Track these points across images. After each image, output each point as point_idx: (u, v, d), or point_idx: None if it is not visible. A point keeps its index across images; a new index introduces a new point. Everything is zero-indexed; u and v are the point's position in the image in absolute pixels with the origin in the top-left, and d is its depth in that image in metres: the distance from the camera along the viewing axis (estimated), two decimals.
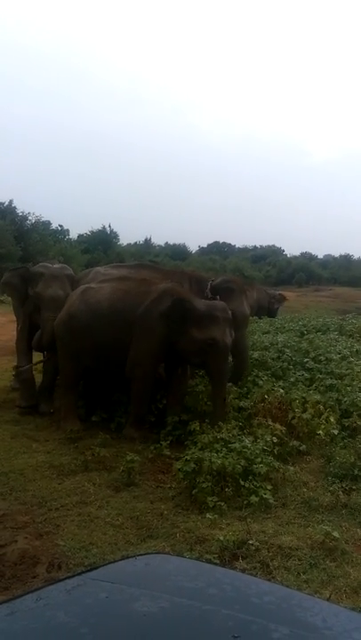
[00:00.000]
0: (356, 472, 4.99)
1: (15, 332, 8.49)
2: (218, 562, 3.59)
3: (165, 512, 4.49)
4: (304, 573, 3.58)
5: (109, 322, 6.47)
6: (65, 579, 1.60)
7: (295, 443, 5.63)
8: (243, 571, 3.50)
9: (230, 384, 6.91)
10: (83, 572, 1.64)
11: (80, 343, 6.62)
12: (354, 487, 4.81)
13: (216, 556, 3.70)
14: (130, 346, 6.37)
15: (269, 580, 3.35)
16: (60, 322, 6.89)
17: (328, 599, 3.10)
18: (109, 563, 1.90)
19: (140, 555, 1.92)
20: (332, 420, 5.97)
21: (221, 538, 3.84)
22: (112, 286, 6.84)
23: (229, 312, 6.43)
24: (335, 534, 3.87)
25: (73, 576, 1.61)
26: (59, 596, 1.44)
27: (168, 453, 5.59)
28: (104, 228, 41.89)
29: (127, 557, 2.01)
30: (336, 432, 5.80)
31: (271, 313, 15.57)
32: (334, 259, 56.56)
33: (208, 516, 4.29)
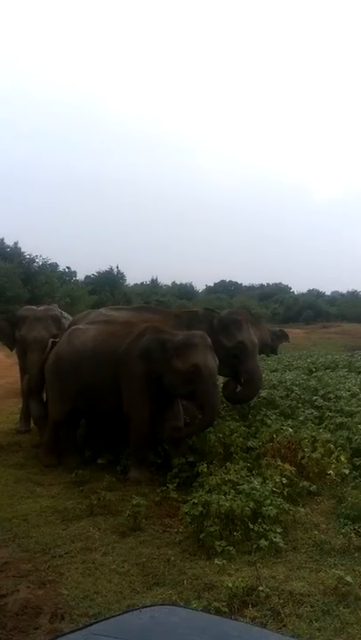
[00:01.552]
0: None
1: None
2: (227, 610, 3.48)
3: (172, 558, 4.37)
4: (317, 621, 3.44)
5: (94, 363, 6.58)
6: (67, 633, 1.54)
7: (305, 483, 5.50)
8: (253, 619, 3.39)
9: (239, 423, 6.87)
10: (85, 627, 1.59)
11: (67, 383, 6.77)
12: None
13: (225, 603, 3.57)
14: (116, 387, 6.42)
15: (280, 629, 3.24)
16: (48, 363, 7.10)
17: None
18: (113, 616, 1.83)
19: (146, 607, 1.85)
20: (342, 459, 5.85)
21: (230, 584, 3.71)
22: (97, 328, 7.00)
23: (209, 339, 6.43)
24: (348, 579, 3.74)
25: (75, 630, 1.55)
26: None
27: (175, 496, 5.47)
28: (111, 268, 42.40)
29: (132, 610, 1.94)
30: (347, 472, 5.67)
31: (274, 350, 15.97)
32: (342, 295, 56.61)
33: (216, 561, 4.16)
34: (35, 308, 8.25)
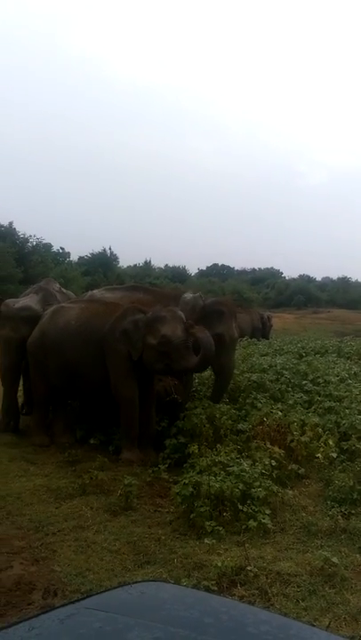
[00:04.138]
0: (355, 496, 4.95)
1: None
2: (216, 589, 3.54)
3: (163, 537, 4.44)
4: (303, 600, 3.53)
5: (77, 340, 6.68)
6: (58, 607, 1.58)
7: (294, 466, 5.58)
8: (241, 598, 3.46)
9: (230, 406, 6.90)
10: (77, 601, 1.62)
11: (49, 360, 6.87)
12: (353, 511, 4.77)
13: (214, 582, 3.65)
14: (98, 366, 6.51)
15: (268, 607, 3.31)
16: (32, 340, 7.15)
17: (327, 627, 3.06)
18: (104, 591, 1.87)
19: (136, 582, 1.89)
20: (330, 442, 5.93)
21: (219, 564, 3.79)
22: (81, 307, 7.13)
23: (179, 313, 6.47)
24: (334, 560, 3.83)
25: (67, 604, 1.59)
26: (51, 625, 1.42)
27: (166, 477, 5.55)
28: (104, 250, 42.24)
29: (122, 585, 1.98)
30: (335, 455, 5.76)
31: (265, 334, 16.27)
32: (332, 281, 56.67)
33: (206, 541, 4.24)
34: (13, 303, 7.96)
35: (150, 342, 6.26)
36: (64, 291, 9.10)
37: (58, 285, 9.07)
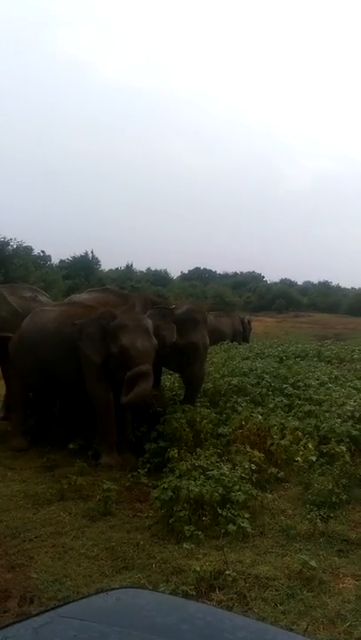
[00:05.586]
0: (334, 499, 4.97)
1: None
2: (194, 593, 3.53)
3: (142, 542, 4.41)
4: (281, 604, 3.52)
5: (53, 342, 6.69)
6: (33, 616, 1.56)
7: (273, 470, 5.59)
8: (219, 602, 3.45)
9: (210, 410, 6.90)
10: (51, 609, 1.60)
11: (27, 361, 6.90)
12: (332, 515, 4.78)
13: (192, 587, 3.63)
14: (73, 368, 6.50)
15: (246, 612, 3.30)
16: (12, 341, 7.21)
17: (305, 631, 3.07)
18: (80, 598, 1.85)
19: (112, 589, 1.87)
20: (310, 446, 5.95)
21: (198, 568, 3.76)
22: (60, 310, 7.19)
23: (144, 321, 6.41)
24: (313, 563, 3.83)
25: (42, 613, 1.57)
26: (25, 634, 1.40)
27: (145, 481, 5.52)
28: (86, 253, 42.02)
29: (99, 592, 1.96)
30: (314, 459, 5.77)
31: (246, 338, 16.52)
32: (313, 285, 57.23)
33: (185, 545, 4.22)
34: None
35: (112, 350, 6.22)
36: (38, 297, 8.84)
37: (29, 292, 8.80)
